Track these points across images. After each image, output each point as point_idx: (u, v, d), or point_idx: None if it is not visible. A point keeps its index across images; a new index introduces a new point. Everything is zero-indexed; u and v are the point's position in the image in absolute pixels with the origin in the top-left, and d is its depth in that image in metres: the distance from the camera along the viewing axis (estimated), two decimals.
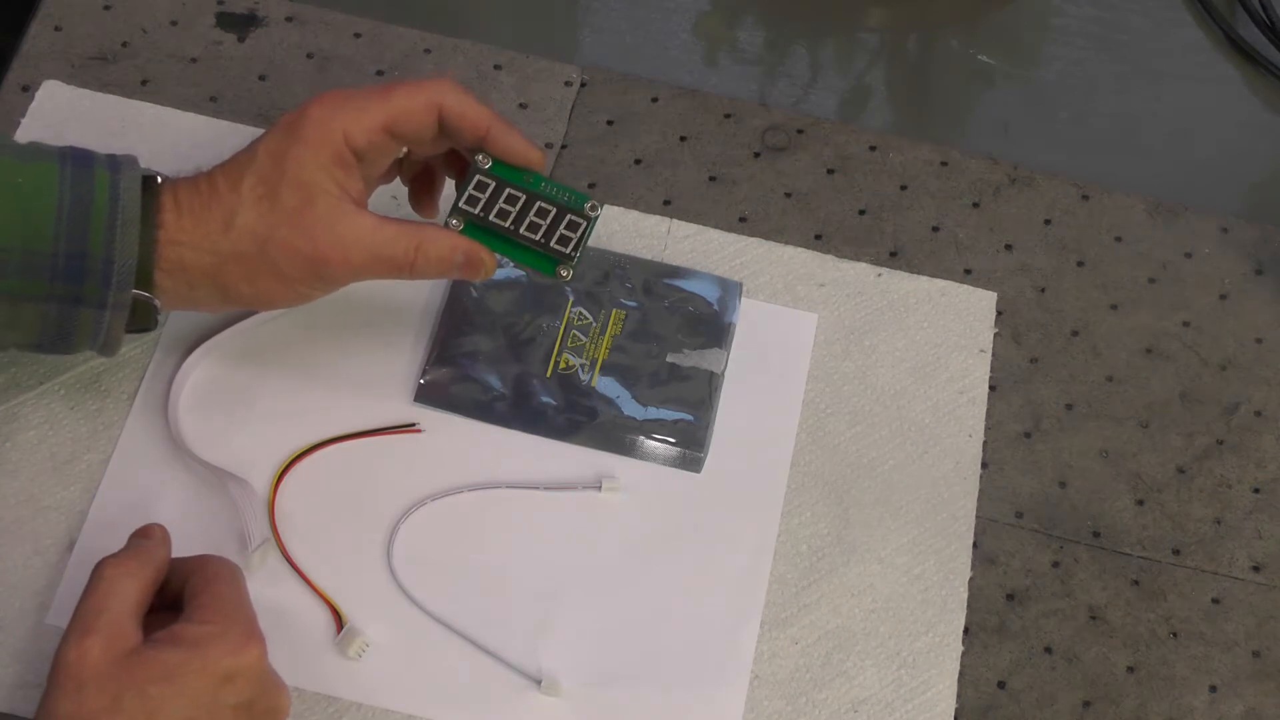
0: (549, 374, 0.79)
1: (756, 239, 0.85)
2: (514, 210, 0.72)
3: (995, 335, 0.84)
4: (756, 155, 0.88)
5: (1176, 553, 0.79)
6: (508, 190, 0.72)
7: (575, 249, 0.72)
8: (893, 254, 0.86)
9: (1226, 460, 0.81)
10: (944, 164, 0.89)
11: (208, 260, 0.69)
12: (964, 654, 0.75)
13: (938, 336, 0.83)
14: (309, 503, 0.75)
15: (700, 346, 0.81)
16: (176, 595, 0.66)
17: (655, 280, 0.83)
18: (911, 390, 0.81)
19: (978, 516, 0.79)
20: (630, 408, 0.79)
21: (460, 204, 0.72)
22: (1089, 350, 0.84)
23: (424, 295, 0.81)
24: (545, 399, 0.79)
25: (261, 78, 0.88)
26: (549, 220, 0.72)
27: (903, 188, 0.88)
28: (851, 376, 0.82)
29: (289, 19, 0.90)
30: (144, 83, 0.87)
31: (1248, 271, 0.87)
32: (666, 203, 0.86)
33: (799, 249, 0.85)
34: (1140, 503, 0.80)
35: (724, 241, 0.85)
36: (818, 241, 0.86)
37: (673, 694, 0.73)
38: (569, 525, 0.76)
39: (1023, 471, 0.80)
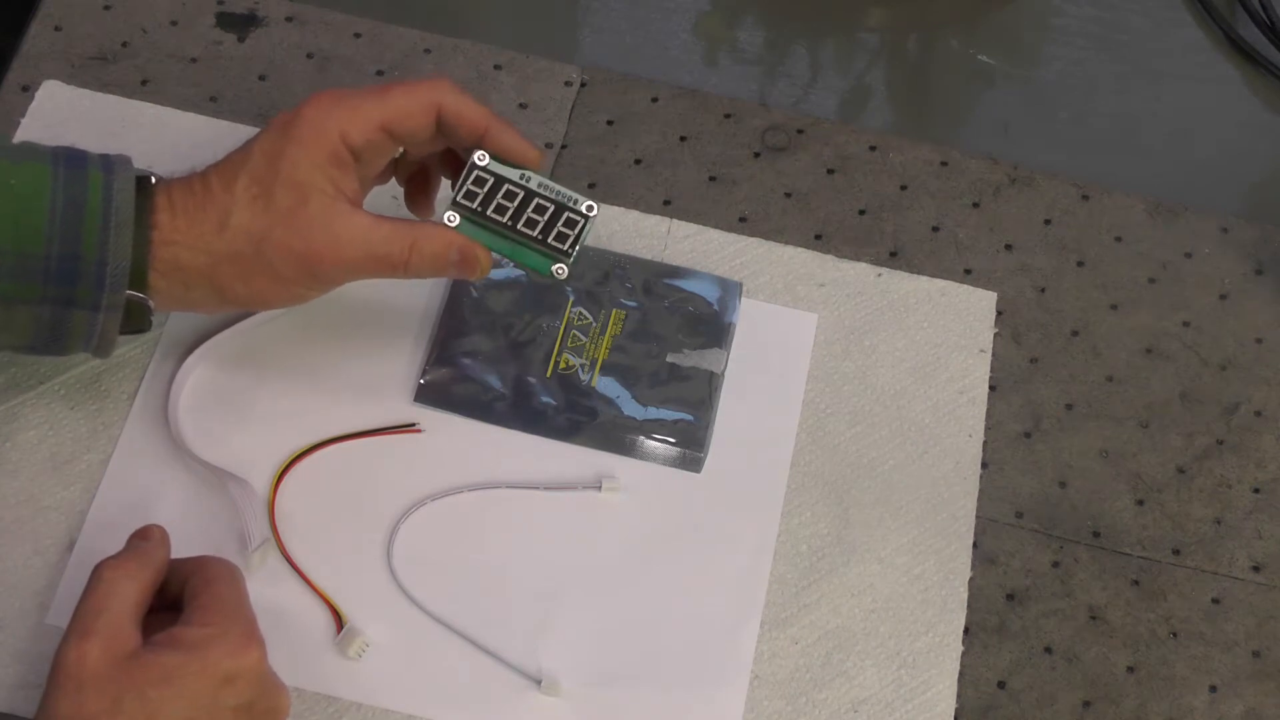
0: (549, 374, 0.79)
1: (756, 239, 0.85)
2: (511, 206, 0.72)
3: (995, 335, 0.84)
4: (756, 155, 0.88)
5: (1176, 553, 0.79)
6: (505, 186, 0.72)
7: (572, 246, 0.72)
8: (893, 254, 0.86)
9: (1226, 460, 0.81)
10: (944, 164, 0.89)
11: (203, 261, 0.68)
12: (964, 654, 0.75)
13: (938, 336, 0.83)
14: (309, 503, 0.75)
15: (700, 346, 0.81)
16: (176, 596, 0.66)
17: (655, 280, 0.83)
18: (911, 390, 0.81)
19: (978, 516, 0.78)
20: (630, 408, 0.79)
21: (458, 199, 0.72)
22: (1089, 350, 0.84)
23: (424, 296, 0.81)
24: (545, 399, 0.79)
25: (261, 78, 0.88)
26: (546, 217, 0.72)
27: (903, 188, 0.88)
28: (851, 376, 0.82)
29: (289, 19, 0.90)
30: (144, 83, 0.87)
31: (1248, 271, 0.87)
32: (666, 203, 0.86)
33: (799, 249, 0.85)
34: (1140, 503, 0.80)
35: (724, 241, 0.85)
36: (818, 241, 0.86)
37: (673, 694, 0.73)
38: (569, 525, 0.76)
39: (1023, 471, 0.80)
